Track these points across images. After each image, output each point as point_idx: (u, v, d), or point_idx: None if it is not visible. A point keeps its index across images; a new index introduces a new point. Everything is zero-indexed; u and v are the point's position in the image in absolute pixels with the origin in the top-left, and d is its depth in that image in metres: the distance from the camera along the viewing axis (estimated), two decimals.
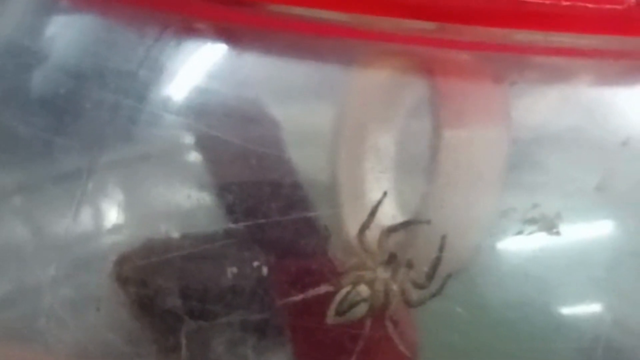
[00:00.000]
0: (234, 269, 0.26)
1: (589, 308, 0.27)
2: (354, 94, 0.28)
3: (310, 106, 0.28)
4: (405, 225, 0.27)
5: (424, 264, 0.26)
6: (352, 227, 0.27)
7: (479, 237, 0.27)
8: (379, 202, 0.27)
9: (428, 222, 0.27)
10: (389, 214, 0.27)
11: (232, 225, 0.27)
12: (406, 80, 0.28)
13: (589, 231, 0.27)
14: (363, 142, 0.27)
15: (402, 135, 0.27)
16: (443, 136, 0.27)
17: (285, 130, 0.28)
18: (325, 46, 0.28)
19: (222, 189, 0.27)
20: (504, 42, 0.27)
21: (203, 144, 0.28)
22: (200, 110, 0.28)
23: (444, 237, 0.26)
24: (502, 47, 0.27)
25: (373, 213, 0.27)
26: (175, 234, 0.27)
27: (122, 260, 0.27)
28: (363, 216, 0.27)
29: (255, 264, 0.26)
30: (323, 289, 0.26)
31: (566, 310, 0.27)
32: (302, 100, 0.28)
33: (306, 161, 0.28)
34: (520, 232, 0.26)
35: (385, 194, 0.27)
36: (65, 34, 0.31)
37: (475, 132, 0.27)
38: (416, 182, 0.27)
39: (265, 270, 0.26)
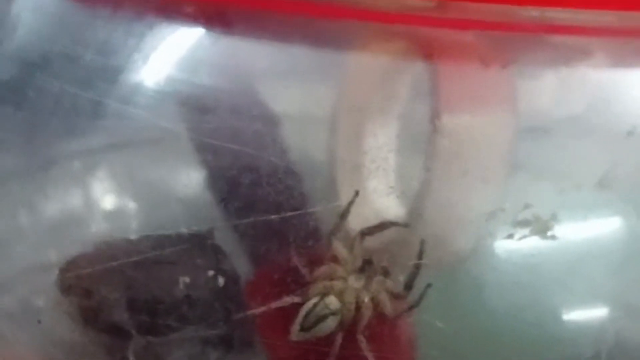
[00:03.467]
0: (186, 279, 0.24)
1: (589, 320, 0.25)
2: (351, 78, 0.26)
3: (306, 91, 0.26)
4: (381, 227, 0.24)
5: (402, 272, 0.24)
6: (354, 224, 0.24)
7: (466, 241, 0.24)
8: (351, 203, 0.24)
9: (406, 225, 0.24)
10: (392, 211, 0.24)
11: (185, 230, 0.24)
12: (405, 63, 0.26)
13: (589, 234, 0.25)
14: (360, 131, 0.25)
15: (402, 122, 0.25)
16: (440, 123, 0.25)
17: (282, 123, 0.25)
18: (321, 27, 0.26)
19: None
20: (509, 21, 0.25)
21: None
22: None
23: (422, 242, 0.23)
24: (507, 26, 0.26)
25: (344, 215, 0.24)
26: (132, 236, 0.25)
27: (67, 267, 0.25)
28: (364, 211, 0.24)
29: (210, 272, 0.24)
30: (287, 300, 0.24)
31: (562, 323, 0.25)
32: (297, 85, 0.26)
33: (302, 150, 0.26)
34: (509, 236, 0.24)
35: (357, 193, 0.24)
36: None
37: (476, 118, 0.25)
38: (417, 175, 0.25)
39: (221, 280, 0.24)
